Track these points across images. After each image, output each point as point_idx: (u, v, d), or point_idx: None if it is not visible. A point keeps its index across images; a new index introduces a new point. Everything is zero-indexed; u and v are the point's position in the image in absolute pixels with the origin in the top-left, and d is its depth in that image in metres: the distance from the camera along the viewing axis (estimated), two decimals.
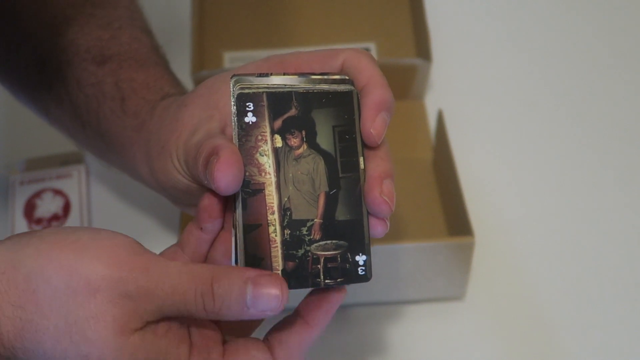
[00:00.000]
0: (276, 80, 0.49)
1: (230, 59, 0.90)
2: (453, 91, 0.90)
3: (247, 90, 0.49)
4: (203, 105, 0.53)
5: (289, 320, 0.50)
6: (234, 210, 0.49)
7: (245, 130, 0.48)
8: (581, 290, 0.76)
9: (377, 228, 0.50)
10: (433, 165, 0.82)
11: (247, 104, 0.48)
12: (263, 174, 0.48)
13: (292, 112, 0.49)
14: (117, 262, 0.45)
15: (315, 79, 0.50)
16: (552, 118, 0.88)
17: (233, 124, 0.49)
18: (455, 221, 0.74)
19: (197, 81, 0.80)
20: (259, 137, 0.48)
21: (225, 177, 0.47)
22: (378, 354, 0.72)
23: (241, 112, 0.48)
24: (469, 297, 0.74)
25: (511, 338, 0.73)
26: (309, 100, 0.49)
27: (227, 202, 0.52)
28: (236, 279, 0.45)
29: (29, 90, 0.69)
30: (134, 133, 0.60)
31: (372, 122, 0.49)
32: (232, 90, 0.49)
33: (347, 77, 0.50)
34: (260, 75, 0.49)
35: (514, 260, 0.77)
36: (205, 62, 0.89)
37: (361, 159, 0.49)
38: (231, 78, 0.49)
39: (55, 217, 0.78)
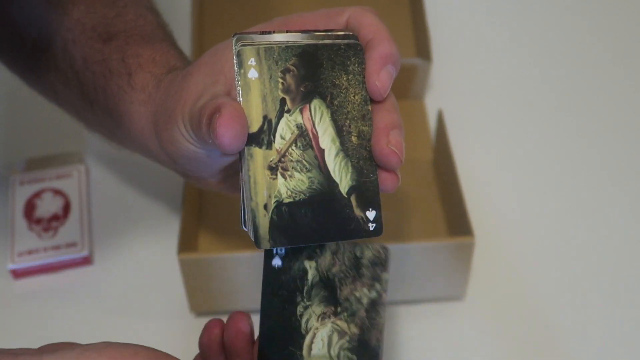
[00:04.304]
0: (279, 38, 0.49)
1: None
2: (453, 91, 0.90)
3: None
4: (208, 72, 0.52)
5: None
6: (240, 170, 0.48)
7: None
8: (581, 290, 0.76)
9: (386, 183, 0.49)
10: (433, 165, 0.82)
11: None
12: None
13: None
14: None
15: (318, 35, 0.49)
16: (552, 118, 0.88)
17: (236, 81, 0.48)
18: (455, 221, 0.74)
19: None
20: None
21: (228, 133, 0.46)
22: None
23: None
24: (469, 297, 0.74)
25: (511, 338, 0.73)
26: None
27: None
28: None
29: (36, 71, 0.69)
30: (141, 107, 0.60)
31: (378, 75, 0.49)
32: (233, 48, 0.48)
33: (351, 33, 0.50)
34: (263, 32, 0.49)
35: (514, 260, 0.77)
36: None
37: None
38: (233, 37, 0.49)
39: (55, 217, 0.78)
